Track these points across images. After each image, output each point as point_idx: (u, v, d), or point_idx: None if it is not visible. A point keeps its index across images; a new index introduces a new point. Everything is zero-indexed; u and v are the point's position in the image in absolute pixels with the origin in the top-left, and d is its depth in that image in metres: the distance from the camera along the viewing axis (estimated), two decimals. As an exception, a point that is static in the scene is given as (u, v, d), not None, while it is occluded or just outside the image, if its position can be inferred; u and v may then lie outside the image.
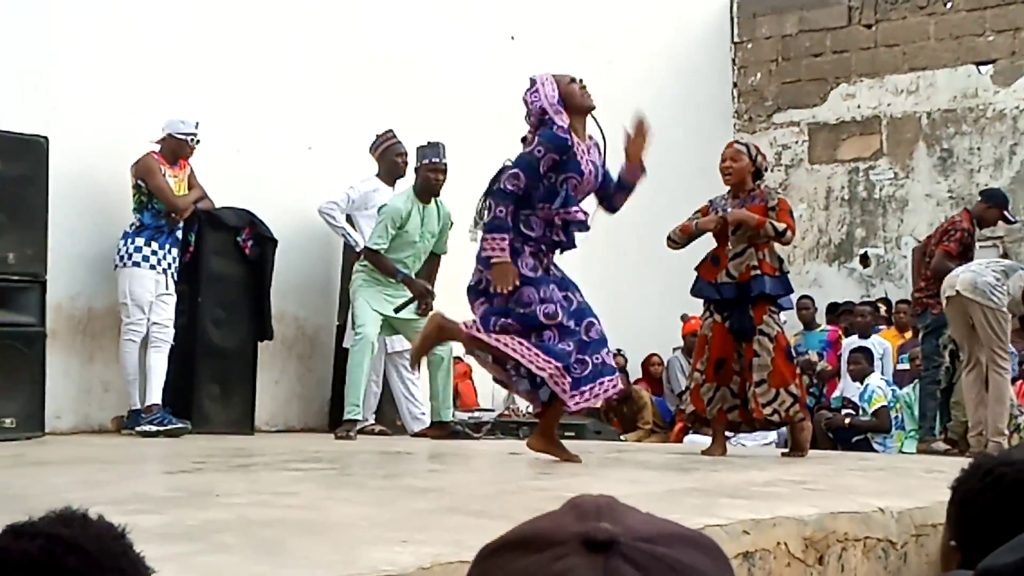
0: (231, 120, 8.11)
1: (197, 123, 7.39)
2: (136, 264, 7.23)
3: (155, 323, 7.30)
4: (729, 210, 6.15)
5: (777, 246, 6.23)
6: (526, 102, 5.35)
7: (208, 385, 7.67)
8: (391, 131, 8.13)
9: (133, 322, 7.22)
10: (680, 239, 6.29)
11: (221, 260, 7.79)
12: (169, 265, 7.37)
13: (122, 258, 7.26)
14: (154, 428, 7.04)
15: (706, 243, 6.36)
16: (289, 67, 8.53)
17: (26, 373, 6.61)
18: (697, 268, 6.28)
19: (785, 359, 6.14)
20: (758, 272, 6.06)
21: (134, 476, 4.68)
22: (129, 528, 1.39)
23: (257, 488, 4.16)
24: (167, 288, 7.36)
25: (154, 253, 7.29)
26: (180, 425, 7.12)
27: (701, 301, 6.34)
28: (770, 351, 6.04)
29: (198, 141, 7.42)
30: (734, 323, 6.11)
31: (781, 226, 6.07)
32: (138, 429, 7.06)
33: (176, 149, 7.37)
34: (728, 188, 6.28)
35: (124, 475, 4.73)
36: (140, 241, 7.26)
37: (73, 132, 7.19)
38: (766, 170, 6.46)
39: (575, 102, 5.33)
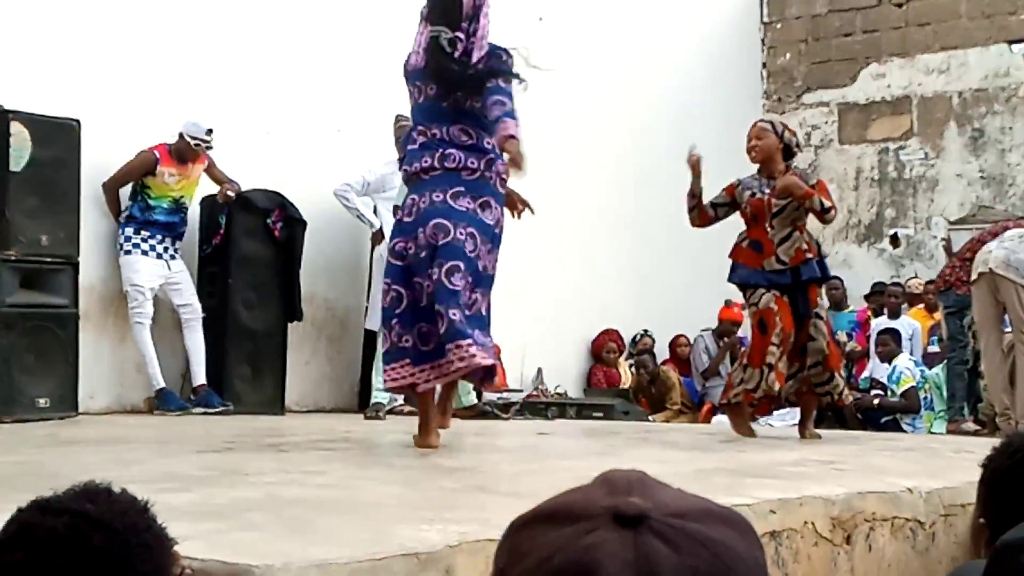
0: (261, 103, 8.13)
1: (210, 130, 7.40)
2: (128, 252, 7.36)
3: (179, 306, 7.46)
4: (767, 191, 5.91)
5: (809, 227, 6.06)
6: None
7: (239, 366, 7.73)
8: (399, 115, 8.08)
9: (138, 306, 7.33)
10: (689, 204, 6.08)
11: (251, 242, 7.83)
12: (165, 249, 7.43)
13: (121, 246, 7.38)
14: (200, 410, 7.20)
15: (728, 228, 6.22)
16: (318, 49, 8.54)
17: (59, 354, 6.67)
18: (735, 255, 6.02)
19: (834, 343, 6.03)
20: (810, 255, 5.86)
21: (165, 455, 4.72)
22: (153, 502, 1.40)
23: (286, 467, 4.19)
24: (170, 270, 7.43)
25: (144, 240, 7.39)
26: (226, 406, 7.29)
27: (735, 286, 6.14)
28: (824, 334, 5.88)
29: (210, 146, 7.44)
30: (798, 306, 5.86)
31: (827, 202, 5.86)
32: (196, 411, 7.21)
33: (183, 151, 7.42)
34: (758, 168, 6.06)
35: (155, 454, 4.77)
36: (129, 231, 7.39)
37: (105, 115, 7.23)
38: (798, 147, 6.17)
39: None
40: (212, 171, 7.61)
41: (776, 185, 5.89)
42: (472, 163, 4.81)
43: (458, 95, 4.86)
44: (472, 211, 4.77)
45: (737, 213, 6.11)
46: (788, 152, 6.03)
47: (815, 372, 5.89)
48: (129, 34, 7.54)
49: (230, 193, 7.55)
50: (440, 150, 4.82)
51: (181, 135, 7.39)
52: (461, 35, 4.86)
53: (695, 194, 6.09)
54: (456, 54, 4.83)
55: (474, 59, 4.85)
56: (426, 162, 4.84)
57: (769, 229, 5.91)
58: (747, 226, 6.06)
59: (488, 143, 4.85)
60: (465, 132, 4.85)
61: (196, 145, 7.39)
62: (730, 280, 6.12)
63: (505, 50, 4.95)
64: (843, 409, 6.26)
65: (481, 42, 4.88)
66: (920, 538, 3.76)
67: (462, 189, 4.78)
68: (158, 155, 7.38)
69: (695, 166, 6.06)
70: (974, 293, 7.67)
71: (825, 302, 6.41)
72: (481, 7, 4.93)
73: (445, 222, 4.68)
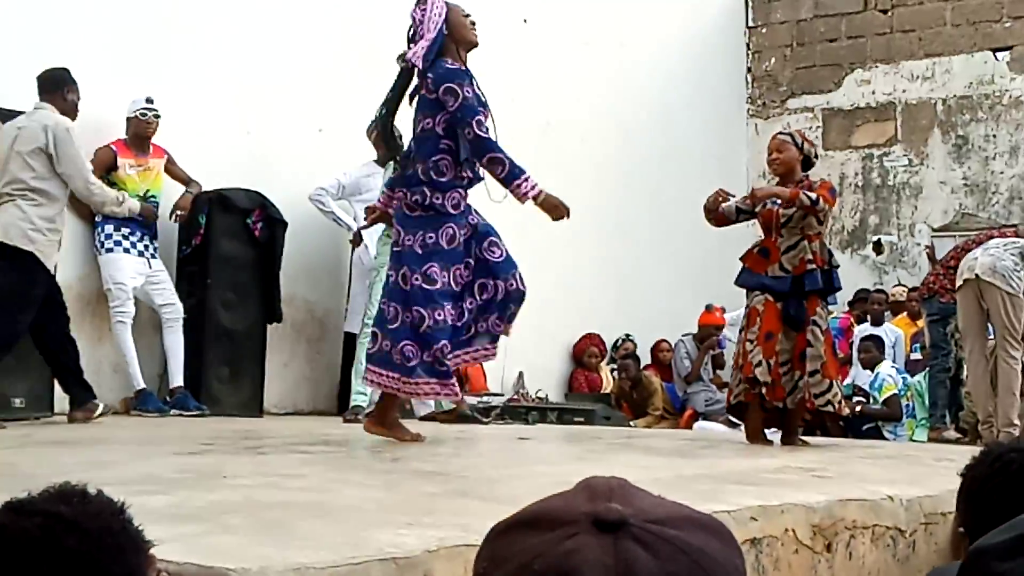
0: (242, 102, 8.10)
1: (148, 98, 7.39)
2: (110, 250, 7.30)
3: (161, 306, 7.40)
4: (777, 203, 5.97)
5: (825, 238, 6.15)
6: (414, 17, 5.22)
7: (217, 367, 7.69)
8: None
9: (119, 305, 7.27)
10: (708, 219, 6.23)
11: (231, 242, 7.80)
12: (146, 247, 7.39)
13: (100, 245, 7.32)
14: (176, 412, 7.15)
15: (741, 233, 6.26)
16: (300, 49, 8.51)
17: (35, 354, 6.62)
18: (744, 259, 6.14)
19: (832, 353, 6.08)
20: (813, 266, 5.92)
21: (142, 457, 4.68)
22: (129, 504, 1.37)
23: (265, 470, 4.16)
24: (151, 268, 7.38)
25: (125, 238, 7.34)
26: (201, 410, 7.23)
27: (724, 293, 6.23)
28: (822, 342, 5.91)
29: (157, 115, 7.42)
30: (790, 311, 5.92)
31: (813, 195, 5.89)
32: (172, 413, 7.15)
33: (136, 130, 7.41)
34: (777, 181, 6.19)
35: (132, 456, 4.73)
36: (109, 228, 7.33)
37: (83, 110, 7.17)
38: (816, 157, 6.28)
39: (465, 35, 5.27)
40: (172, 168, 7.58)
41: (757, 192, 6.04)
42: (399, 195, 5.31)
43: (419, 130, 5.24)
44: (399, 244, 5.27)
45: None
46: (807, 163, 6.15)
47: (814, 380, 5.89)
48: (106, 29, 7.50)
49: (180, 212, 7.55)
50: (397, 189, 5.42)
51: (128, 120, 7.39)
52: (411, 46, 5.21)
53: (710, 208, 6.20)
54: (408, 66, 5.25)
55: (417, 47, 5.15)
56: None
57: (778, 239, 6.01)
58: (764, 234, 6.17)
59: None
60: (425, 172, 5.23)
61: (142, 115, 7.36)
62: (735, 283, 6.21)
63: (456, 80, 5.14)
64: (824, 416, 6.25)
65: (423, 40, 5.15)
66: (900, 546, 3.75)
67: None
68: (115, 149, 7.37)
69: (716, 198, 6.19)
70: (959, 300, 7.68)
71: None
72: (427, 10, 5.18)
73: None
